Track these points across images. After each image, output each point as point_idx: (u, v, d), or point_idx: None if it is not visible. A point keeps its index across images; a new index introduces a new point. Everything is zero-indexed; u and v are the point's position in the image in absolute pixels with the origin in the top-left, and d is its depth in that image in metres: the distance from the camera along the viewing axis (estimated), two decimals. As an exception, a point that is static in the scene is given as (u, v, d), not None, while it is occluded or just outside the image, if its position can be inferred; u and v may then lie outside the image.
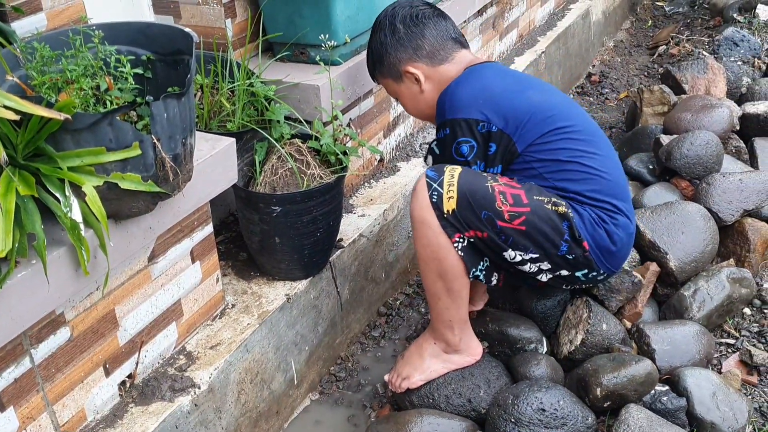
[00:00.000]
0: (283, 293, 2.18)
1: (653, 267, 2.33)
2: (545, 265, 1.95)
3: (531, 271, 1.96)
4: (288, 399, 2.24)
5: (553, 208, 1.89)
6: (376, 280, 2.61)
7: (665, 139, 2.90)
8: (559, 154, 1.95)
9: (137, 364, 1.84)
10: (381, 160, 2.80)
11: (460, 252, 1.91)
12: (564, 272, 1.98)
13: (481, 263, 1.96)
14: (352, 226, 2.47)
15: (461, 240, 1.90)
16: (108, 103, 1.55)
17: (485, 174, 1.93)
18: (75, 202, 1.42)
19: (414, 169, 2.82)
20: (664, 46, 4.65)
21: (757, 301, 2.46)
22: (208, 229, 1.97)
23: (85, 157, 1.42)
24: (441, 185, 1.88)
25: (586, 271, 1.99)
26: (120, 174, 1.45)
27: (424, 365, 2.09)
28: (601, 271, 2.01)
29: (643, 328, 2.14)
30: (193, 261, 1.95)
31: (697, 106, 3.14)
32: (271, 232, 2.10)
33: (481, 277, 1.98)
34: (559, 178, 1.95)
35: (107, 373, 1.77)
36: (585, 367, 2.02)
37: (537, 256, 1.92)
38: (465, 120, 1.95)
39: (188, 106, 1.55)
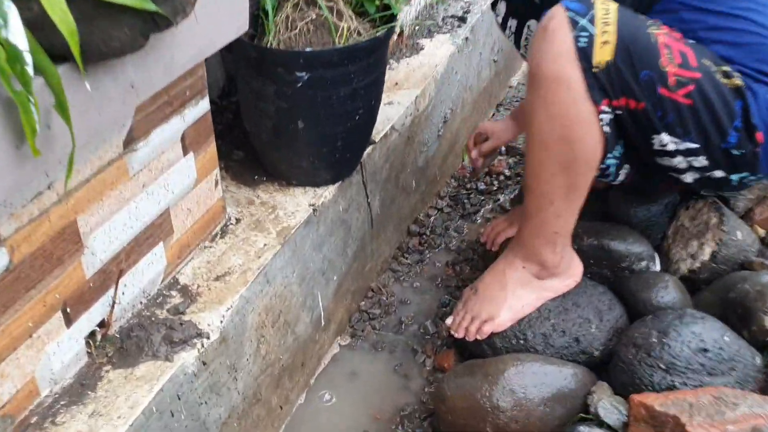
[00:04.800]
0: (306, 203, 1.56)
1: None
2: (700, 161, 1.37)
3: (679, 167, 1.39)
4: (314, 346, 1.64)
5: (725, 79, 1.30)
6: (407, 189, 2.01)
7: None
8: (721, 3, 1.35)
9: (113, 305, 1.21)
10: (400, 35, 2.17)
11: (606, 128, 1.31)
12: (718, 173, 1.40)
13: (617, 148, 1.37)
14: (381, 116, 1.82)
15: (609, 111, 1.30)
16: None
17: (642, 16, 1.32)
18: (13, 10, 0.77)
19: (440, 47, 2.20)
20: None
21: None
22: (204, 104, 1.33)
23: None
24: (592, 21, 1.27)
25: (745, 174, 1.40)
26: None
27: (511, 299, 1.51)
28: (760, 175, 1.43)
29: (789, 235, 1.61)
30: (185, 152, 1.31)
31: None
32: (292, 113, 1.46)
33: (612, 168, 1.40)
34: (716, 39, 1.35)
35: (68, 320, 1.13)
36: (742, 288, 1.46)
37: (696, 147, 1.34)
38: None
39: None
